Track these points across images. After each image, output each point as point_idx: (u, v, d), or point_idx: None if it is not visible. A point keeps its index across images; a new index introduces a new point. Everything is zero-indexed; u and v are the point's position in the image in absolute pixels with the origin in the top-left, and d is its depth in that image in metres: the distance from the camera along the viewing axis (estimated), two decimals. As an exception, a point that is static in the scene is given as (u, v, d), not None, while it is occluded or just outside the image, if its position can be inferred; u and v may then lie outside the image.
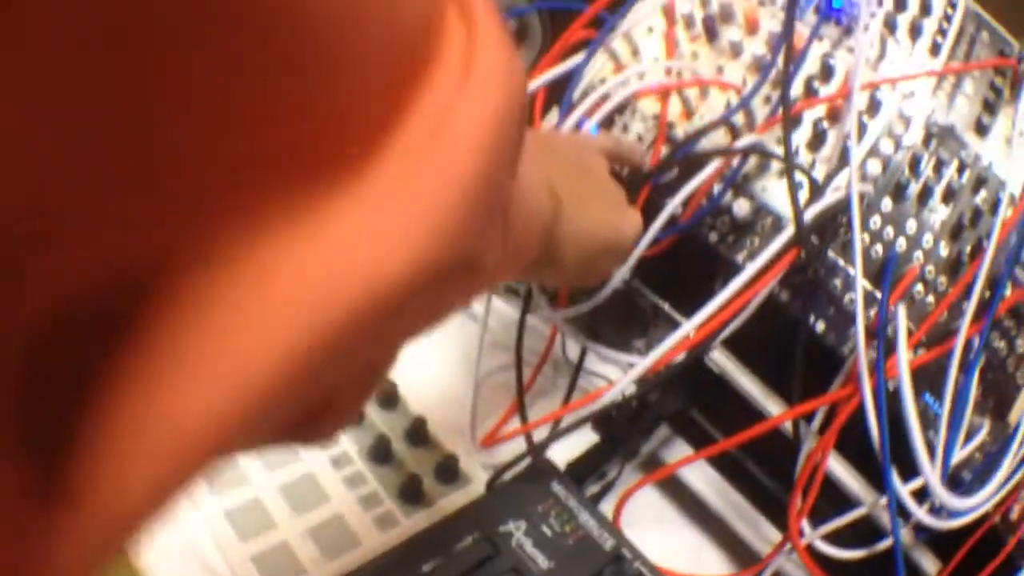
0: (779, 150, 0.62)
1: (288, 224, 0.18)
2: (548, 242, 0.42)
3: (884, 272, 0.60)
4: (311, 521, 0.57)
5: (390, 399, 0.67)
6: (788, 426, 0.60)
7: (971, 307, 0.59)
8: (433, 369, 0.74)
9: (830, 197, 0.57)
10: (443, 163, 0.21)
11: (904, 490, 0.56)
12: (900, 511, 0.57)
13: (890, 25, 0.70)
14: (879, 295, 0.59)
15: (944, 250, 0.64)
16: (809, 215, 0.57)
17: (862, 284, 0.57)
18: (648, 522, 0.68)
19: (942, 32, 0.71)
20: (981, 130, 0.69)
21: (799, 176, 0.61)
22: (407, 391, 0.68)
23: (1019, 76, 0.74)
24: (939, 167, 0.65)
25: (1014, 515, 0.63)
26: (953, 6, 0.74)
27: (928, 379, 0.60)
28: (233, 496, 0.57)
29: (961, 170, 0.66)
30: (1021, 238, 0.63)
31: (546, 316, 0.67)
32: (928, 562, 0.64)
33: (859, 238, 0.56)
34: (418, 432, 0.64)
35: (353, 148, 0.20)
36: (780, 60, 0.63)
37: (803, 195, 0.62)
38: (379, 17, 0.19)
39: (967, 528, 0.60)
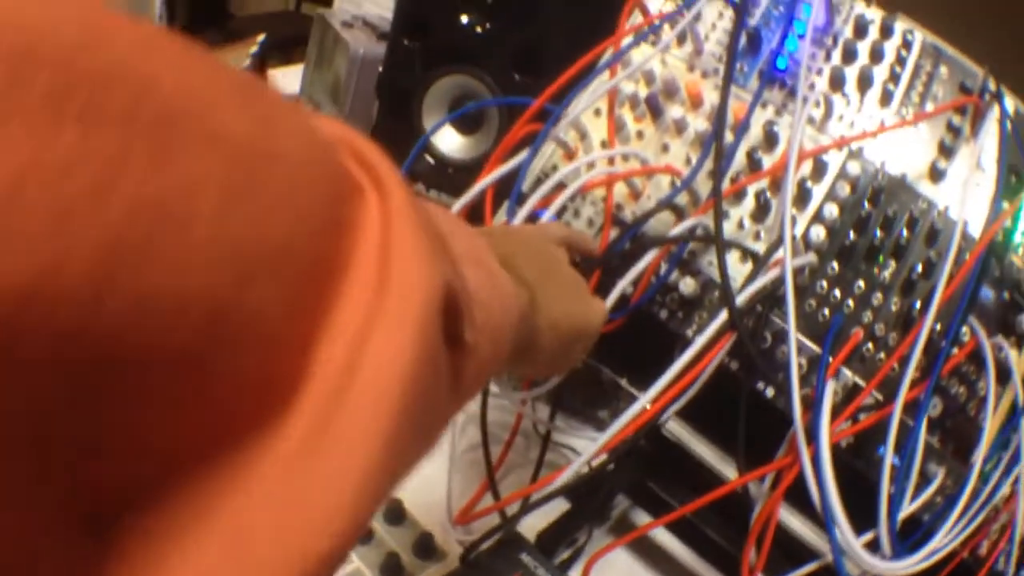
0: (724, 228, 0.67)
1: (216, 487, 0.21)
2: (527, 333, 0.44)
3: (824, 339, 0.63)
4: None
5: None
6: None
7: (910, 368, 0.61)
8: None
9: (763, 278, 0.61)
10: (363, 403, 0.23)
11: (856, 543, 0.58)
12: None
13: (838, 80, 0.73)
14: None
15: (895, 305, 0.66)
16: (744, 296, 0.61)
17: (796, 360, 0.59)
18: None
19: (894, 78, 0.74)
20: (936, 175, 0.71)
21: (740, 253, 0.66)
22: None
23: (980, 111, 0.74)
24: (888, 223, 0.68)
25: (983, 550, 0.65)
26: (908, 46, 0.76)
27: (882, 433, 0.62)
28: None
29: (912, 223, 0.68)
30: (971, 287, 0.64)
31: (512, 398, 0.72)
32: None
33: (793, 315, 0.59)
34: (395, 512, 0.69)
35: (269, 409, 0.22)
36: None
37: (747, 269, 0.66)
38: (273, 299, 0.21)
39: (935, 567, 0.63)
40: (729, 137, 0.70)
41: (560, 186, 0.69)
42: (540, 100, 0.72)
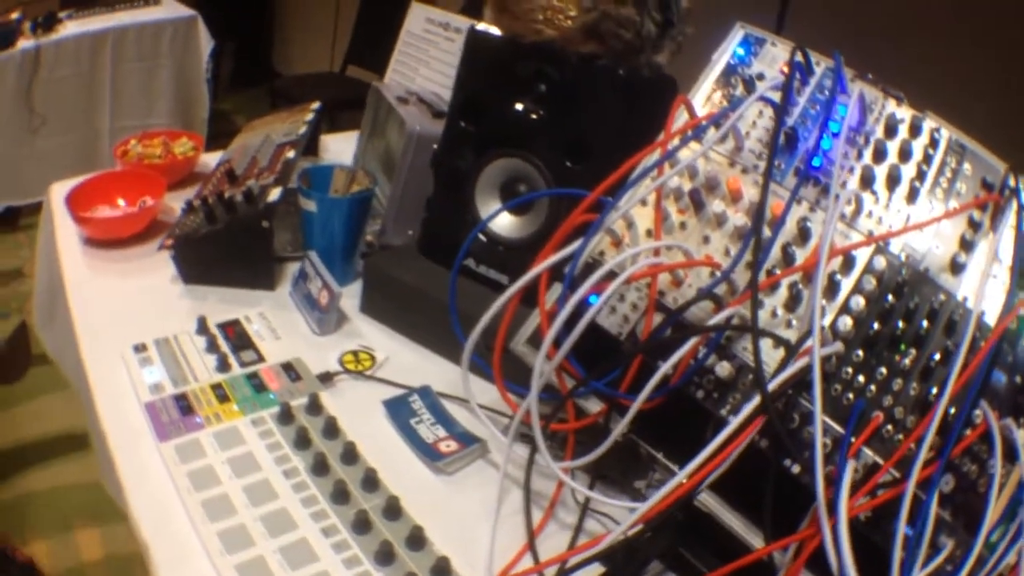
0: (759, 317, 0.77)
1: None
2: None
3: (848, 421, 0.71)
4: None
5: (416, 541, 0.79)
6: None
7: (924, 447, 0.69)
8: (456, 512, 0.86)
9: (794, 365, 0.70)
10: None
11: None
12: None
13: (868, 178, 0.82)
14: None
15: (914, 390, 0.74)
16: (776, 383, 0.70)
17: (822, 441, 0.68)
18: None
19: (921, 176, 0.83)
20: (956, 268, 0.79)
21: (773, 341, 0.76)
22: (432, 533, 0.80)
23: (999, 208, 0.83)
24: (910, 315, 0.76)
25: None
26: (935, 144, 0.84)
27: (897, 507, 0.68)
28: None
29: (932, 314, 0.76)
30: (983, 373, 0.72)
31: (555, 467, 0.81)
32: None
33: (819, 400, 0.68)
34: (442, 569, 0.77)
35: None
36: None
37: (778, 355, 0.75)
38: None
39: None
40: (766, 232, 0.79)
41: (611, 274, 0.80)
42: (596, 192, 0.81)
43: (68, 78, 2.99)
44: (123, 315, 1.11)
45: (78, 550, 1.90)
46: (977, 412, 0.72)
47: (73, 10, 3.07)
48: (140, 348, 1.03)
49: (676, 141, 0.85)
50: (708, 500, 0.77)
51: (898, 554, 0.67)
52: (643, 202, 0.85)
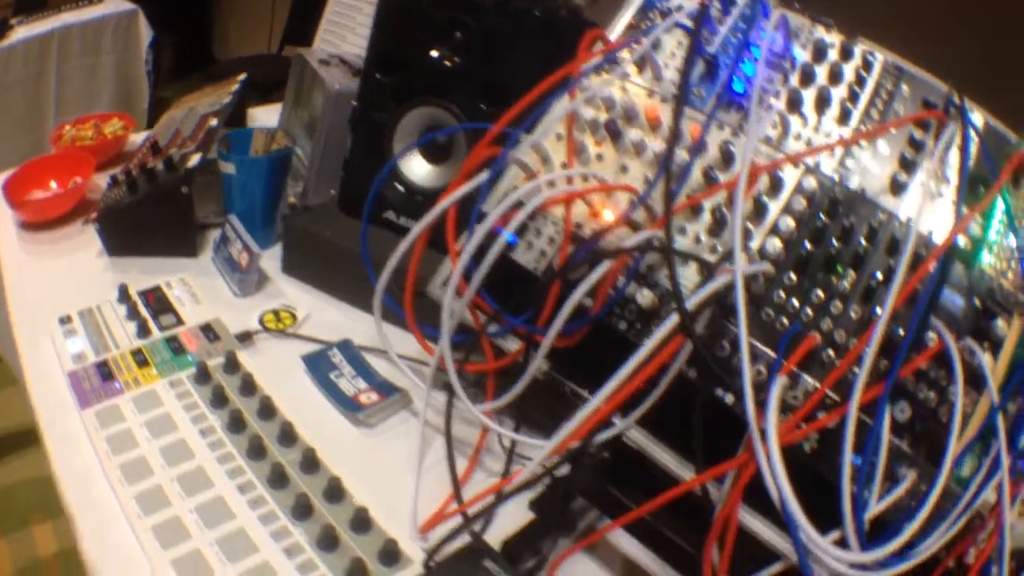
0: (679, 241, 0.70)
1: None
2: None
3: (778, 345, 0.66)
4: None
5: (335, 493, 0.74)
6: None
7: (864, 367, 0.62)
8: (378, 463, 0.81)
9: (713, 283, 0.64)
10: None
11: (819, 539, 0.58)
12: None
13: (795, 101, 0.76)
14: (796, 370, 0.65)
15: (855, 313, 0.68)
16: (694, 301, 0.63)
17: (749, 362, 0.61)
18: None
19: (853, 98, 0.77)
20: (897, 188, 0.73)
21: (693, 263, 0.69)
22: (352, 485, 0.76)
23: (943, 125, 0.76)
24: (846, 235, 0.70)
25: (970, 559, 0.64)
26: (868, 66, 0.79)
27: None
28: None
29: (872, 234, 0.70)
30: (931, 289, 0.66)
31: (471, 410, 0.75)
32: None
33: (744, 318, 0.62)
34: (362, 521, 0.71)
35: None
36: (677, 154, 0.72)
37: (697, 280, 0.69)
38: None
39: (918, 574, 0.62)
40: (685, 156, 0.73)
41: (519, 205, 0.73)
42: (499, 124, 0.75)
43: (17, 82, 2.91)
44: (53, 292, 1.06)
45: (34, 546, 1.83)
46: (932, 335, 0.66)
47: (24, 16, 2.98)
48: (65, 320, 0.98)
49: (586, 67, 0.78)
50: (638, 437, 0.71)
51: (847, 484, 0.61)
52: (558, 136, 0.79)
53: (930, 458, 0.65)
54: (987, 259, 0.71)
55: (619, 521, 0.65)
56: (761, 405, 0.61)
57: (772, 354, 0.67)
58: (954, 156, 0.75)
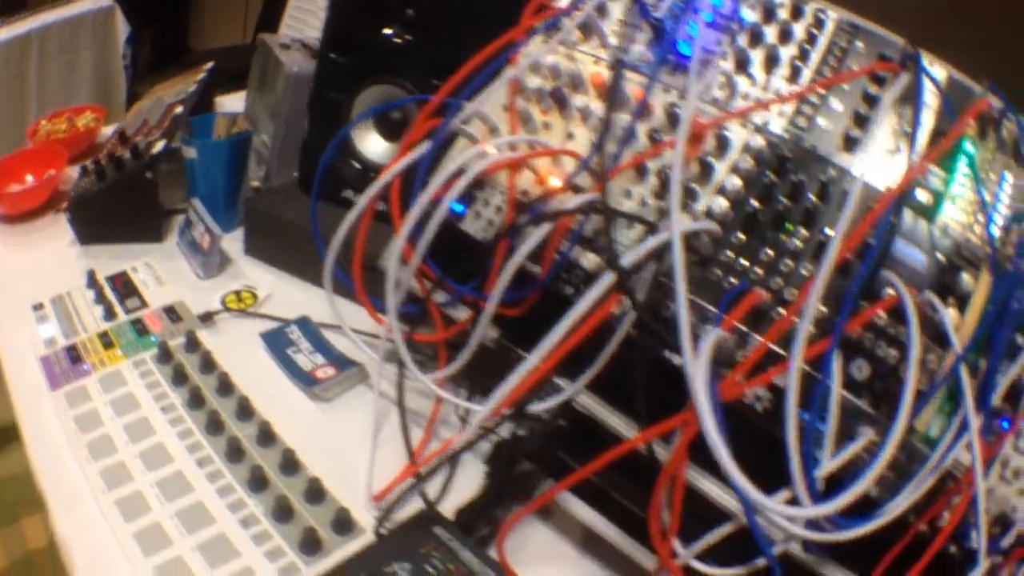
0: (624, 204, 0.70)
1: None
2: None
3: (720, 303, 0.65)
4: (225, 574, 0.66)
5: (290, 465, 0.75)
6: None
7: (806, 319, 0.61)
8: (335, 436, 0.82)
9: (652, 240, 0.64)
10: None
11: (763, 498, 0.58)
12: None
13: (743, 61, 0.75)
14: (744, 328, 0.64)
15: (806, 271, 0.66)
16: (630, 258, 0.63)
17: (687, 316, 0.60)
18: (547, 560, 0.74)
19: (804, 56, 0.75)
20: (850, 145, 0.71)
21: (640, 227, 0.69)
22: (307, 457, 0.76)
23: (899, 78, 0.73)
24: (795, 192, 0.69)
25: (944, 523, 0.61)
26: (820, 24, 0.77)
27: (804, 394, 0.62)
28: (159, 556, 0.67)
29: (823, 191, 0.69)
30: (882, 237, 0.64)
31: (421, 379, 0.75)
32: None
33: (680, 274, 0.61)
34: (315, 491, 0.72)
35: None
36: (622, 118, 0.72)
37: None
38: None
39: (886, 539, 0.61)
40: (628, 118, 0.73)
41: (462, 173, 0.73)
42: (440, 93, 0.75)
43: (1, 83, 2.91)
44: (28, 281, 1.07)
45: (25, 539, 1.83)
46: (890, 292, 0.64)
47: (4, 18, 2.97)
48: (38, 307, 1.00)
49: (529, 33, 0.78)
50: (587, 402, 0.71)
51: (792, 439, 0.60)
52: (505, 107, 0.79)
53: (892, 417, 0.62)
54: (951, 214, 0.69)
55: (564, 483, 0.65)
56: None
57: (716, 311, 0.65)
58: (921, 116, 0.72)
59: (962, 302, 0.65)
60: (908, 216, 0.68)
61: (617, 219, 0.70)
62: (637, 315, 0.65)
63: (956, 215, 0.69)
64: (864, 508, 0.60)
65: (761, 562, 0.61)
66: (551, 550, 0.75)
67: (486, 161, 0.73)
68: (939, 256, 0.67)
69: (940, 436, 0.62)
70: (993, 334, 0.62)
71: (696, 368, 0.57)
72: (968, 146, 0.71)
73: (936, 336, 0.63)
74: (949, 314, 0.63)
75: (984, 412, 0.61)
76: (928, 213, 0.68)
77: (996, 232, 0.68)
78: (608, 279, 0.63)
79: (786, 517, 0.58)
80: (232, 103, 1.45)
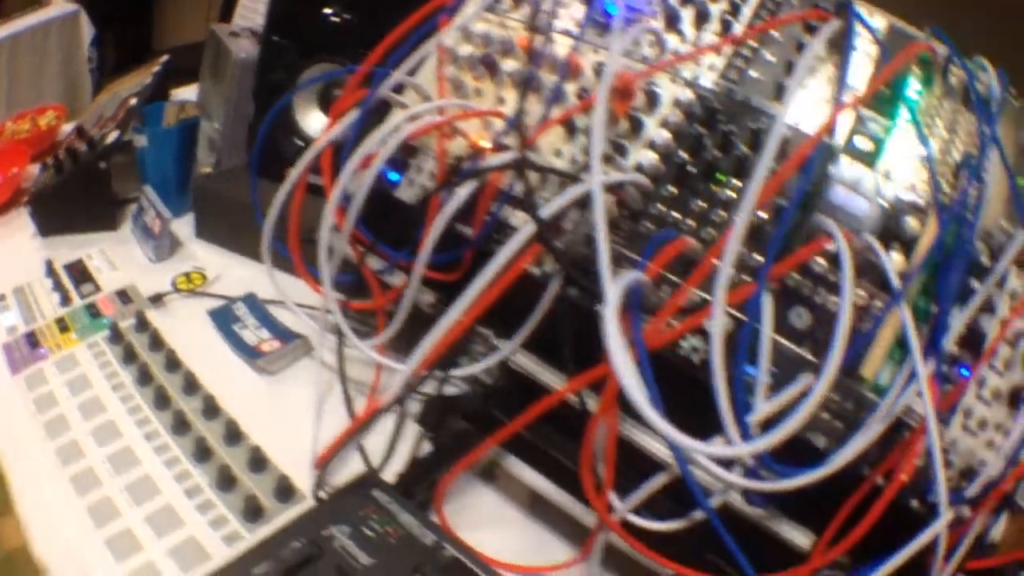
0: (556, 163, 0.70)
1: None
2: None
3: (644, 251, 0.64)
4: (171, 543, 0.67)
5: (233, 436, 0.76)
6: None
7: (727, 261, 0.60)
8: (280, 407, 0.84)
9: (571, 191, 0.64)
10: None
11: (694, 443, 0.56)
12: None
13: (673, 18, 0.74)
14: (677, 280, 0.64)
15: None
16: (550, 209, 0.64)
17: (608, 264, 0.59)
18: (493, 524, 0.75)
19: (735, 10, 0.74)
20: (783, 94, 0.69)
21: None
22: (251, 428, 0.78)
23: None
24: (727, 143, 0.69)
25: (903, 475, 0.60)
26: None
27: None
28: (109, 528, 0.68)
29: (755, 140, 0.68)
30: (809, 177, 0.63)
31: (360, 348, 0.76)
32: (798, 535, 0.64)
33: (600, 222, 0.61)
34: (258, 460, 0.73)
35: None
36: (547, 77, 0.73)
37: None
38: None
39: (838, 492, 0.60)
40: (554, 77, 0.73)
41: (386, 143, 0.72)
42: (367, 63, 0.76)
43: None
44: None
45: (2, 539, 1.83)
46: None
47: (-28, 28, 2.98)
48: (0, 298, 1.01)
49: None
50: (523, 361, 0.71)
51: (719, 381, 0.59)
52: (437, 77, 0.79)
53: (845, 371, 0.62)
54: (894, 160, 0.68)
55: (496, 437, 0.66)
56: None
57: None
58: (850, 59, 0.71)
59: (909, 248, 0.64)
60: (847, 163, 0.67)
61: (548, 178, 0.70)
62: (563, 268, 0.65)
63: (900, 161, 0.68)
64: (814, 460, 0.59)
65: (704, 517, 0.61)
66: (497, 515, 0.76)
67: (413, 125, 0.73)
68: (882, 202, 0.66)
69: (889, 385, 0.61)
70: (939, 277, 0.62)
71: (608, 310, 0.56)
72: (912, 94, 0.70)
73: (883, 283, 0.62)
74: (892, 257, 0.63)
75: (936, 358, 0.60)
76: (869, 160, 0.68)
77: (941, 178, 0.67)
78: (527, 230, 0.63)
79: (710, 457, 0.57)
80: (187, 94, 1.45)
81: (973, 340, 0.63)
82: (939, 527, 0.57)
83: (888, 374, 0.62)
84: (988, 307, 0.64)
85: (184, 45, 3.67)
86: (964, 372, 0.63)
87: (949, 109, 0.71)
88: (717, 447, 0.57)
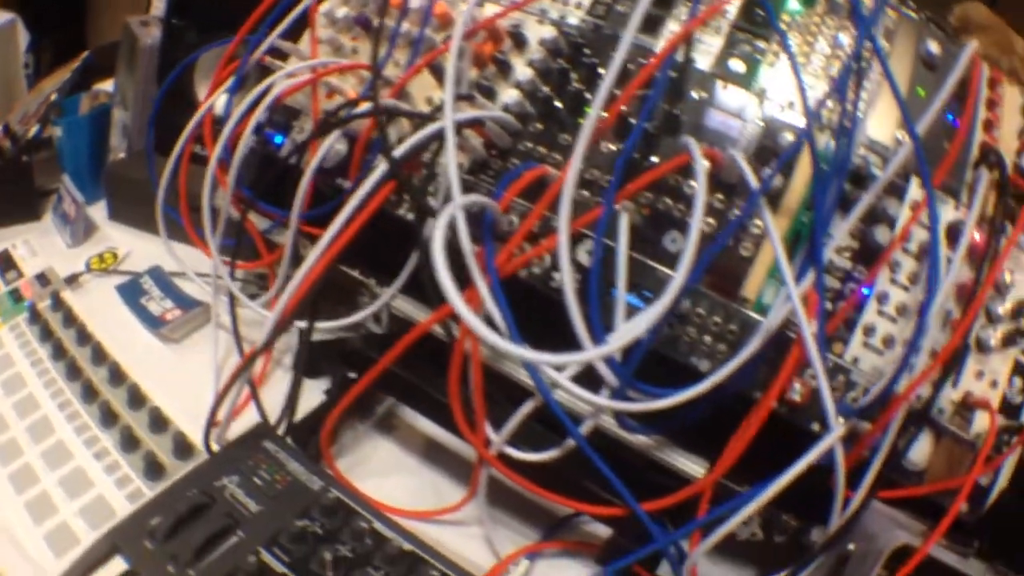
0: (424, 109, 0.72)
1: None
2: None
3: (500, 182, 0.67)
4: (82, 503, 0.70)
5: (135, 399, 0.80)
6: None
7: (569, 183, 0.60)
8: (183, 372, 0.87)
9: (423, 131, 0.66)
10: None
11: (543, 355, 0.56)
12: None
13: None
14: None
15: (608, 151, 0.67)
16: (403, 148, 0.65)
17: (460, 197, 0.60)
18: (390, 473, 0.78)
19: None
20: (652, 24, 0.70)
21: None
22: (155, 393, 0.82)
23: None
24: (592, 76, 0.69)
25: (796, 396, 0.61)
26: None
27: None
28: (28, 494, 0.71)
29: (623, 72, 0.66)
30: (658, 91, 0.64)
31: (251, 306, 0.79)
32: (692, 464, 0.66)
33: (452, 158, 0.62)
34: (158, 421, 0.77)
35: None
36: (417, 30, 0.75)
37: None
38: None
39: (730, 416, 0.61)
40: (412, 26, 0.76)
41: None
42: (240, 33, 0.79)
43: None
44: None
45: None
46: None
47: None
48: None
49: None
50: (403, 305, 0.74)
51: (571, 300, 0.60)
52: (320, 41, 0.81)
53: (725, 292, 0.63)
54: (771, 81, 0.68)
55: (369, 375, 0.68)
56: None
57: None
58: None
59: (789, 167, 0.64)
60: (721, 86, 0.68)
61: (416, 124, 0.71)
62: (414, 200, 0.67)
63: (776, 81, 0.68)
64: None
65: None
66: (394, 464, 0.79)
67: (285, 84, 0.75)
68: (758, 122, 0.66)
69: (771, 304, 0.62)
70: (815, 190, 0.61)
71: (436, 231, 0.55)
72: (787, 16, 0.70)
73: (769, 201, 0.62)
74: (750, 168, 0.62)
75: (817, 269, 0.59)
76: (744, 81, 0.68)
77: (815, 94, 0.66)
78: (382, 168, 0.65)
79: (557, 366, 0.59)
80: (109, 87, 1.47)
81: (871, 255, 0.63)
82: (831, 440, 0.56)
83: (772, 293, 0.63)
84: (887, 220, 0.63)
85: (113, 43, 3.68)
86: (866, 291, 0.63)
87: (834, 26, 0.70)
88: (565, 355, 0.57)
